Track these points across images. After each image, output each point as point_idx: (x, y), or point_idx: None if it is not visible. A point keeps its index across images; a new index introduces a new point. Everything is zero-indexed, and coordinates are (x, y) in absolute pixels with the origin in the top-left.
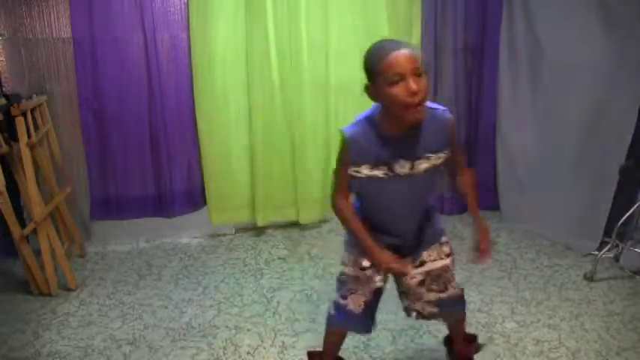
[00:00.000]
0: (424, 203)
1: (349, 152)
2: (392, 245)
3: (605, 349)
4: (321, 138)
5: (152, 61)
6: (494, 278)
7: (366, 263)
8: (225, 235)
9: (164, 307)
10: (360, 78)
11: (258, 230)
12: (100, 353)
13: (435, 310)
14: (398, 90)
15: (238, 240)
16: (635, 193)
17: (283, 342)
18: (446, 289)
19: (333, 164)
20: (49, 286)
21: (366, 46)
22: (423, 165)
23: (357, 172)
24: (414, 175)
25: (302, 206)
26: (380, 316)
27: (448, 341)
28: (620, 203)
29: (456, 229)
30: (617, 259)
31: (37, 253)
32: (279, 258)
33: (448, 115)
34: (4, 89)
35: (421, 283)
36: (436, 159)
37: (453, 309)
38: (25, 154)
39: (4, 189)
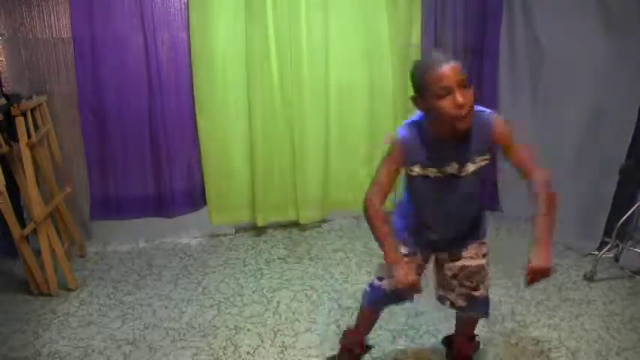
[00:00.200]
0: (471, 205)
1: (401, 153)
2: (433, 241)
3: (605, 349)
4: (321, 138)
5: (152, 61)
6: (494, 278)
7: (404, 251)
8: (225, 235)
9: (164, 307)
10: (360, 77)
11: (258, 230)
12: (100, 353)
13: (464, 304)
14: (445, 103)
15: (238, 240)
16: (635, 193)
17: (283, 342)
18: (478, 288)
19: (333, 164)
20: (49, 286)
21: (365, 45)
22: (470, 168)
23: (411, 170)
24: (461, 178)
25: (302, 206)
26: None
27: (447, 341)
28: (620, 203)
29: None
30: (617, 259)
31: (37, 253)
32: (279, 258)
33: (492, 119)
34: (4, 89)
35: (454, 276)
36: (481, 161)
37: (479, 309)
38: (25, 154)
39: (4, 189)
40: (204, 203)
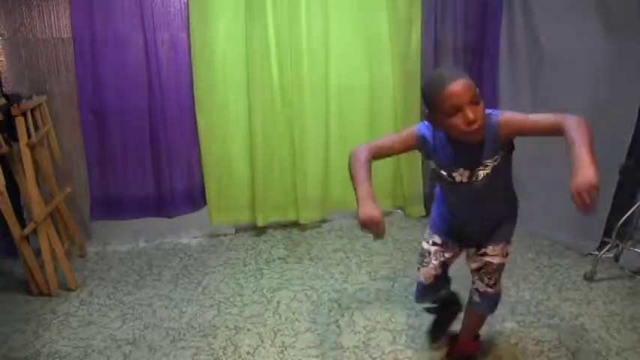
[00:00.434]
0: (493, 208)
1: (413, 139)
2: (460, 230)
3: (605, 349)
4: (321, 138)
5: (152, 61)
6: None
7: (437, 239)
8: (225, 235)
9: (164, 307)
10: (360, 77)
11: (258, 230)
12: (100, 353)
13: (478, 300)
14: (456, 120)
15: (238, 240)
16: (635, 193)
17: (283, 342)
18: (495, 285)
19: (333, 164)
20: (49, 286)
21: (365, 45)
22: (482, 172)
23: (429, 163)
24: (474, 183)
25: (302, 206)
26: (380, 316)
27: (451, 340)
28: (620, 203)
29: None
30: (617, 259)
31: (37, 253)
32: (279, 258)
33: (496, 121)
34: (4, 89)
35: (478, 269)
36: (493, 162)
37: (490, 304)
38: (25, 154)
39: (4, 189)
40: (204, 203)
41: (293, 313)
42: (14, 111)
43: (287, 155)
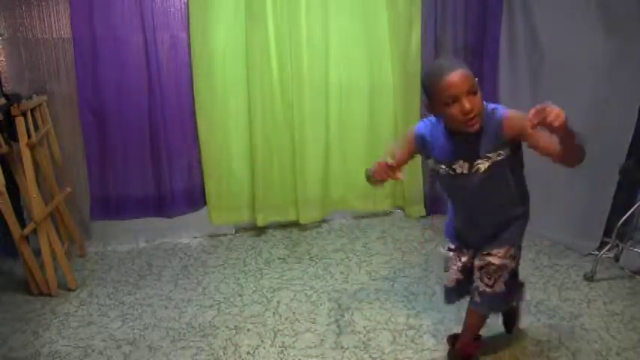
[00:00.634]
0: (496, 204)
1: (411, 142)
2: (464, 232)
3: (605, 349)
4: (321, 138)
5: (152, 61)
6: None
7: (451, 245)
8: (225, 235)
9: (164, 307)
10: (360, 77)
11: (258, 230)
12: (100, 353)
13: (478, 300)
14: (453, 110)
15: (238, 240)
16: (635, 193)
17: (283, 342)
18: (494, 285)
19: (333, 164)
20: (49, 286)
21: (365, 45)
22: (482, 165)
23: (428, 163)
24: (474, 175)
25: (302, 206)
26: (380, 316)
27: (452, 340)
28: (620, 203)
29: None
30: (617, 259)
31: (37, 253)
32: (279, 258)
33: (502, 115)
34: (4, 89)
35: (480, 268)
36: (496, 156)
37: (490, 305)
38: (25, 154)
39: (4, 189)
40: (204, 203)
41: (293, 313)
42: (14, 111)
43: (287, 155)
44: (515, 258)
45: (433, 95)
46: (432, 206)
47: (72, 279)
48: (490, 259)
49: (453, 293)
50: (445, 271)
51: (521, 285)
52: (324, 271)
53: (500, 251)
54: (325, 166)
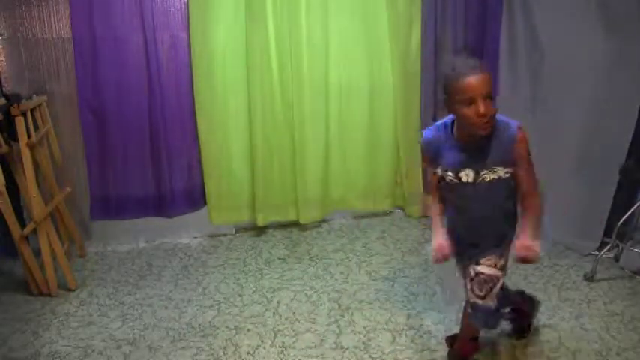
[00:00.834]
0: (491, 218)
1: (426, 152)
2: (460, 242)
3: (605, 349)
4: (321, 138)
5: (152, 61)
6: None
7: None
8: (225, 235)
9: (164, 307)
10: (360, 77)
11: (258, 230)
12: (100, 353)
13: (471, 312)
14: (468, 111)
15: (238, 240)
16: (635, 193)
17: (283, 342)
18: (485, 297)
19: (333, 164)
20: (49, 286)
21: (365, 45)
22: (488, 176)
23: (436, 172)
24: (478, 185)
25: (302, 206)
26: (380, 316)
27: (451, 340)
28: (620, 203)
29: None
30: (617, 259)
31: (37, 253)
32: (279, 258)
33: (515, 131)
34: (4, 89)
35: (471, 279)
36: (503, 173)
37: (485, 320)
38: (25, 154)
39: (4, 189)
40: (204, 203)
41: (293, 313)
42: (14, 111)
43: (287, 155)
44: (504, 271)
45: (451, 93)
46: None
47: (72, 279)
48: (479, 268)
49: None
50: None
51: (534, 300)
52: (324, 271)
53: (490, 259)
54: (325, 166)
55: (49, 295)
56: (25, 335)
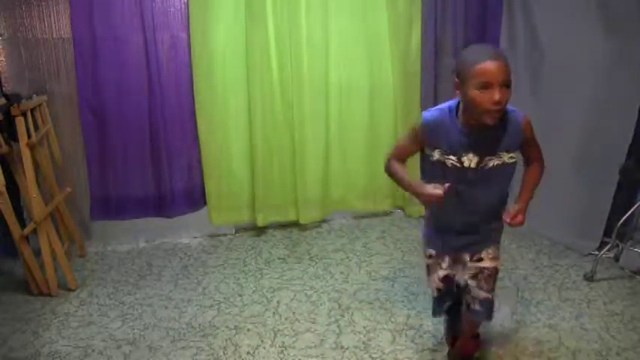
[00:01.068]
0: (489, 204)
1: (421, 133)
2: (456, 240)
3: (605, 349)
4: (321, 138)
5: (152, 61)
6: None
7: (431, 251)
8: (225, 235)
9: (164, 307)
10: (360, 77)
11: (258, 230)
12: (100, 353)
13: (479, 309)
14: (483, 96)
15: (238, 240)
16: (635, 193)
17: (283, 342)
18: (493, 290)
19: (333, 164)
20: (49, 286)
21: (365, 45)
22: (492, 162)
23: (431, 155)
24: (481, 171)
25: (302, 206)
26: (380, 316)
27: (452, 340)
28: (620, 203)
29: None
30: (617, 259)
31: (37, 253)
32: (279, 258)
33: (521, 117)
34: (4, 89)
35: (474, 276)
36: (508, 158)
37: (489, 312)
38: (25, 154)
39: (4, 189)
40: (204, 203)
41: (293, 313)
42: (14, 111)
43: (287, 155)
44: (500, 259)
45: (467, 75)
46: None
47: (72, 279)
48: (482, 264)
49: (438, 305)
50: (428, 281)
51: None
52: (324, 271)
53: (491, 253)
54: (325, 166)
55: (49, 295)
56: (25, 335)
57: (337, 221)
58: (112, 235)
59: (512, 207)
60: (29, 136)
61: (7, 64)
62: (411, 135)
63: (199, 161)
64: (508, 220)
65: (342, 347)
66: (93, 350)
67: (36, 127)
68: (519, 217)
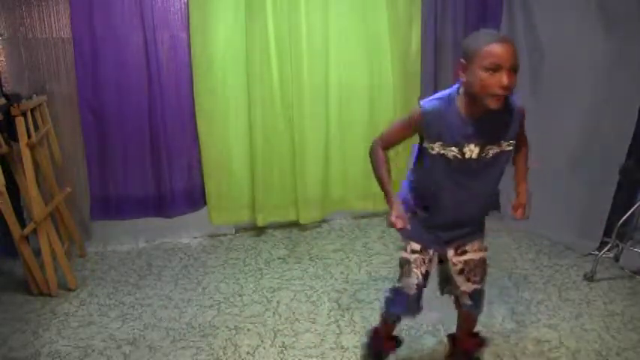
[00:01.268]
0: (486, 193)
1: (418, 123)
2: (442, 231)
3: (605, 349)
4: (321, 138)
5: (152, 61)
6: (494, 278)
7: (415, 246)
8: (225, 235)
9: (164, 307)
10: (360, 77)
11: (258, 230)
12: (100, 353)
13: (469, 302)
14: (491, 79)
15: (238, 240)
16: (635, 193)
17: (283, 342)
18: (481, 281)
19: (333, 164)
20: (49, 286)
21: (365, 45)
22: (492, 150)
23: (431, 148)
24: (481, 161)
25: (302, 206)
26: (379, 316)
27: (452, 339)
28: (620, 203)
29: None
30: (617, 259)
31: (37, 253)
32: (279, 258)
33: (519, 104)
34: (4, 89)
35: (461, 271)
36: (507, 145)
37: (480, 304)
38: (25, 154)
39: (4, 189)
40: (204, 203)
41: (293, 313)
42: (14, 111)
43: (287, 155)
44: (487, 249)
45: (476, 55)
46: None
47: (72, 279)
48: (468, 256)
49: (416, 302)
50: (406, 277)
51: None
52: (324, 271)
53: (475, 245)
54: (325, 166)
55: (49, 295)
56: (25, 335)
57: (337, 221)
58: (112, 235)
59: (514, 200)
60: (29, 136)
61: (7, 64)
62: (406, 123)
63: (199, 161)
64: (517, 216)
65: (342, 347)
66: (93, 350)
67: (36, 127)
68: (523, 211)
